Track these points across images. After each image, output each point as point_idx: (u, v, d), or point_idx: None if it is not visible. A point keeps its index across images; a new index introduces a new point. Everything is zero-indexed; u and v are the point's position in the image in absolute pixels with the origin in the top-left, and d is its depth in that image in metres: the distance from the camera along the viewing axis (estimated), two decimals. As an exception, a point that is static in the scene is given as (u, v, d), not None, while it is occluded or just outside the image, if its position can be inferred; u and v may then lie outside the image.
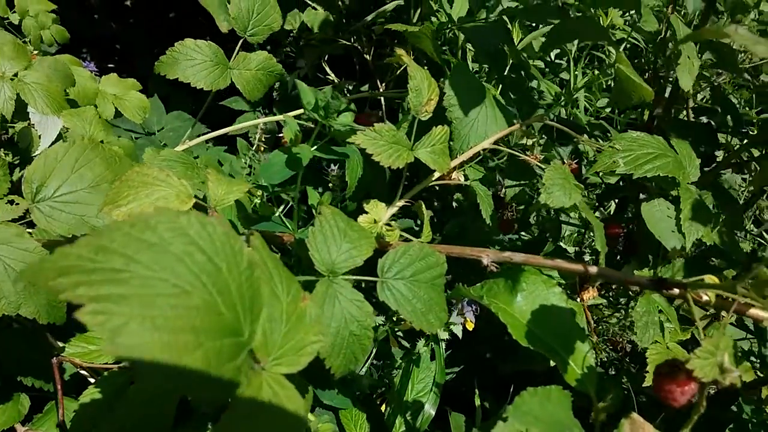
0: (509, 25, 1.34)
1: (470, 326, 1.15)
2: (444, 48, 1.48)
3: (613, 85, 1.11)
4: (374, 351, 1.16)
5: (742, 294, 0.57)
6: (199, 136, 0.96)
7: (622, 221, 1.21)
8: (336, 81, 1.61)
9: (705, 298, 0.66)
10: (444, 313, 0.70)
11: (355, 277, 0.66)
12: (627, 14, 1.57)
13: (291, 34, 1.67)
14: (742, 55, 1.79)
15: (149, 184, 0.65)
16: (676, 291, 0.65)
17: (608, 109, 1.65)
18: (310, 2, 1.55)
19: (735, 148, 1.14)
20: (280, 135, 1.04)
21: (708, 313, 0.97)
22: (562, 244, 1.52)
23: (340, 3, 1.60)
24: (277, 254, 0.94)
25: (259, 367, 0.46)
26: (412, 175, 1.04)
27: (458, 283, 0.74)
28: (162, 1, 2.08)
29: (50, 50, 1.42)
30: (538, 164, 0.93)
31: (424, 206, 0.82)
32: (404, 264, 0.68)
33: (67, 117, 0.91)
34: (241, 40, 0.92)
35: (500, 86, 1.18)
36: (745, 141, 1.15)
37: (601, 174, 1.19)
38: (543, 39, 1.16)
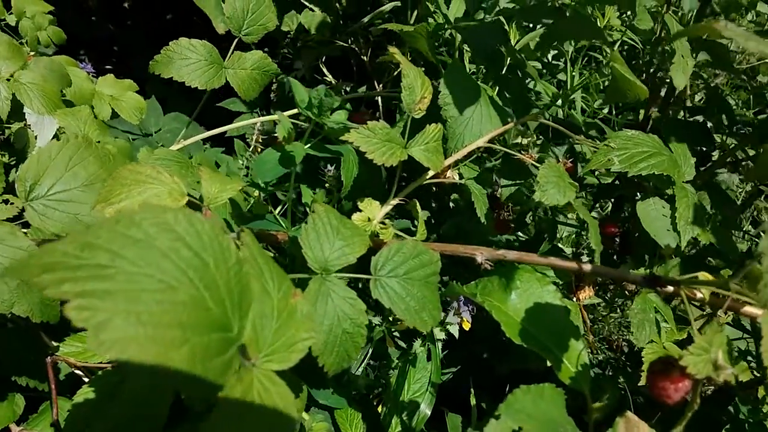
0: (506, 26, 1.34)
1: (467, 326, 1.15)
2: (442, 49, 1.48)
3: (607, 83, 1.11)
4: (371, 351, 1.16)
5: (735, 291, 0.57)
6: (191, 136, 0.96)
7: (619, 221, 1.21)
8: (333, 82, 1.61)
9: (699, 295, 0.66)
10: (438, 311, 0.70)
11: (348, 275, 0.66)
12: (624, 15, 1.57)
13: (288, 36, 1.67)
14: (739, 56, 1.79)
15: (142, 182, 0.65)
16: (670, 288, 0.65)
17: (606, 110, 1.65)
18: (307, 4, 1.56)
19: (730, 148, 1.14)
20: (276, 135, 1.04)
21: (705, 312, 0.97)
22: (560, 245, 1.52)
23: (337, 4, 1.60)
24: (272, 253, 0.94)
25: (250, 364, 0.46)
26: (407, 174, 1.04)
27: (452, 281, 0.73)
28: (159, 3, 2.09)
29: (47, 52, 1.42)
30: (534, 163, 0.93)
31: (418, 205, 0.82)
32: (398, 262, 0.68)
33: (62, 116, 0.92)
34: (235, 40, 0.92)
35: (497, 87, 1.18)
36: (740, 140, 1.15)
37: (597, 173, 1.19)
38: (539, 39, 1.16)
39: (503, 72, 1.18)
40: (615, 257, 1.23)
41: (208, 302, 0.40)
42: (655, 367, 0.60)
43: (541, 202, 0.77)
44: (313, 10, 1.55)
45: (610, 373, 1.49)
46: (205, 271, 0.41)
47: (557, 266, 0.71)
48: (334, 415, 1.04)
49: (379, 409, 1.16)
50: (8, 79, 0.95)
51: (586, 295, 1.07)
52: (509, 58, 1.18)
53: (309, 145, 0.73)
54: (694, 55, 1.05)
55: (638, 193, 1.04)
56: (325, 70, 1.63)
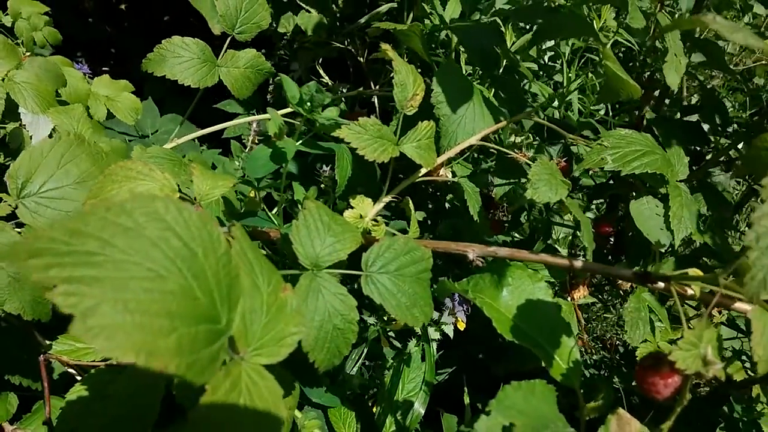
0: (502, 27, 1.35)
1: (461, 326, 1.15)
2: (439, 51, 1.48)
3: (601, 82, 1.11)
4: (365, 351, 1.16)
5: (724, 286, 0.57)
6: (183, 136, 0.96)
7: (613, 220, 1.21)
8: (330, 83, 1.61)
9: (690, 292, 0.66)
10: (429, 307, 0.70)
11: (338, 271, 0.66)
12: (621, 16, 1.57)
13: (285, 37, 1.67)
14: (736, 58, 1.80)
15: (133, 178, 0.65)
16: (661, 284, 0.65)
17: (602, 112, 1.65)
18: (303, 5, 1.56)
19: (723, 147, 1.14)
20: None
21: (700, 312, 0.97)
22: (557, 246, 1.52)
23: (333, 6, 1.60)
24: (265, 252, 0.94)
25: (239, 358, 0.46)
26: (402, 173, 1.05)
27: (444, 278, 0.74)
28: (156, 4, 2.09)
29: (44, 53, 1.42)
30: (528, 162, 0.94)
31: (411, 202, 0.82)
32: (389, 258, 0.68)
33: (55, 114, 0.92)
34: (229, 38, 0.92)
35: (493, 88, 1.18)
36: (733, 139, 1.15)
37: (591, 173, 1.19)
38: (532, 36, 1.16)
39: (499, 72, 1.19)
40: (609, 257, 1.23)
41: (196, 292, 0.41)
42: (645, 363, 0.60)
43: (532, 199, 0.77)
44: (309, 12, 1.55)
45: (606, 373, 1.49)
46: (193, 261, 0.41)
47: (548, 262, 0.71)
48: (328, 414, 1.03)
49: (374, 409, 1.16)
50: (2, 79, 0.95)
51: (581, 294, 1.07)
52: (504, 59, 1.18)
53: (300, 141, 0.73)
54: (687, 54, 1.06)
55: (632, 193, 1.05)
56: (321, 71, 1.63)
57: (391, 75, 1.52)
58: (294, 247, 0.64)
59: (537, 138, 1.24)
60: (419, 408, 1.09)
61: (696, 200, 1.04)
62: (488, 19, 1.38)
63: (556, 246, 1.52)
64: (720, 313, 1.13)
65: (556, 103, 1.42)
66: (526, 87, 1.43)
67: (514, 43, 1.34)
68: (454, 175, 0.89)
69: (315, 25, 1.54)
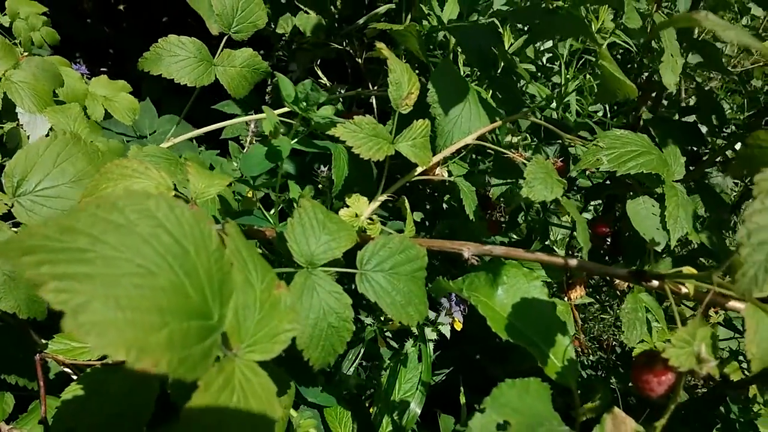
0: (500, 28, 1.35)
1: (458, 326, 1.15)
2: (437, 53, 1.48)
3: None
4: (362, 351, 1.16)
5: (718, 283, 0.57)
6: (180, 135, 0.96)
7: (610, 221, 1.21)
8: (328, 84, 1.61)
9: (684, 290, 0.66)
10: (424, 306, 0.70)
11: (333, 269, 0.66)
12: (619, 17, 1.57)
13: (283, 38, 1.67)
14: (734, 60, 1.80)
15: (128, 176, 0.65)
16: (655, 282, 0.65)
17: (600, 113, 1.66)
18: (302, 6, 1.56)
19: (720, 147, 1.14)
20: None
21: (696, 312, 0.97)
22: (555, 248, 1.53)
23: (332, 7, 1.60)
24: (261, 251, 0.94)
25: (232, 354, 0.46)
26: (399, 174, 1.05)
27: (440, 277, 0.74)
28: (155, 5, 2.10)
29: (42, 53, 1.42)
30: (524, 161, 0.94)
31: (407, 201, 0.82)
32: (384, 256, 0.68)
33: (51, 113, 0.92)
34: (225, 37, 0.92)
35: (491, 89, 1.18)
36: (730, 139, 1.15)
37: (588, 173, 1.19)
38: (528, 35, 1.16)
39: (496, 73, 1.19)
40: (607, 258, 1.23)
41: (187, 288, 0.41)
42: (639, 361, 0.60)
43: (528, 198, 0.77)
44: (308, 13, 1.55)
45: (603, 374, 1.49)
46: (185, 257, 0.41)
47: (543, 261, 0.71)
48: (324, 413, 1.04)
49: (371, 409, 1.16)
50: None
51: (578, 294, 1.07)
52: (502, 60, 1.18)
53: (296, 140, 0.73)
54: (684, 55, 1.06)
55: (629, 193, 1.05)
56: (319, 72, 1.64)
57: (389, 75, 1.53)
58: (289, 244, 0.64)
59: (534, 138, 1.24)
60: (416, 408, 1.09)
61: (693, 201, 1.04)
62: (486, 20, 1.38)
63: (554, 248, 1.52)
64: (717, 313, 1.13)
65: (554, 105, 1.42)
66: (524, 88, 1.43)
67: (512, 44, 1.34)
68: (450, 174, 0.89)
69: (313, 26, 1.54)
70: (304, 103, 0.68)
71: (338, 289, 0.65)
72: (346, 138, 0.70)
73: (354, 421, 1.05)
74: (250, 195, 1.02)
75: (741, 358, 1.15)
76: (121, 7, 2.12)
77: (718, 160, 1.13)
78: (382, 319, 1.13)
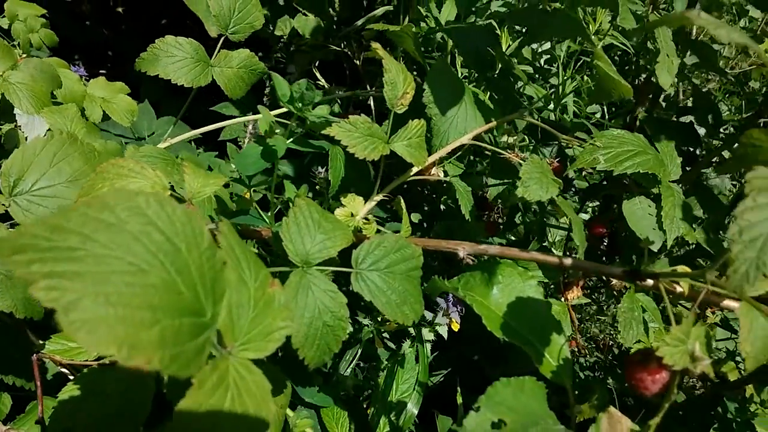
0: (497, 30, 1.35)
1: (456, 327, 1.15)
2: (434, 54, 1.48)
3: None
4: (359, 352, 1.16)
5: (712, 282, 0.57)
6: (177, 136, 0.96)
7: (607, 221, 1.21)
8: (326, 86, 1.61)
9: (679, 289, 0.66)
10: (420, 305, 0.70)
11: (328, 268, 0.66)
12: (617, 19, 1.58)
13: (282, 40, 1.68)
14: (731, 62, 1.80)
15: (124, 176, 0.65)
16: (650, 282, 0.65)
17: (598, 115, 1.66)
18: (300, 8, 1.56)
19: (716, 148, 1.14)
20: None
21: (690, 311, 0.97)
22: (552, 249, 1.53)
23: (330, 9, 1.61)
24: (257, 250, 0.95)
25: (226, 352, 0.46)
26: (396, 175, 1.05)
27: (435, 276, 0.74)
28: (153, 7, 2.10)
29: (40, 55, 1.43)
30: (521, 162, 0.94)
31: (402, 201, 0.82)
32: (379, 255, 0.68)
33: (48, 114, 0.92)
34: (222, 38, 0.92)
35: (488, 90, 1.18)
36: (726, 140, 1.15)
37: (585, 174, 1.19)
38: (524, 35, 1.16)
39: (493, 74, 1.19)
40: (604, 258, 1.23)
41: (179, 286, 0.41)
42: (633, 359, 0.60)
43: (523, 197, 0.77)
44: (306, 15, 1.56)
45: (600, 375, 1.49)
46: (176, 255, 0.41)
47: (538, 260, 0.71)
48: (321, 414, 1.04)
49: (369, 410, 1.16)
50: (-2, 80, 0.96)
51: (575, 295, 1.07)
52: (499, 62, 1.18)
53: (292, 139, 0.73)
54: (681, 56, 1.06)
55: (625, 193, 1.05)
56: (318, 74, 1.64)
57: (388, 77, 1.53)
58: (284, 243, 0.64)
59: (531, 139, 1.24)
60: (413, 408, 1.09)
61: (691, 203, 1.04)
62: (483, 21, 1.38)
63: (552, 249, 1.52)
64: (714, 314, 1.13)
65: (551, 106, 1.42)
66: (522, 89, 1.43)
67: (509, 45, 1.34)
68: (446, 174, 0.90)
69: (312, 28, 1.54)
70: (300, 103, 0.68)
71: (333, 288, 0.65)
72: (341, 137, 0.70)
73: (351, 422, 1.05)
74: (247, 196, 1.02)
75: (738, 358, 1.15)
76: (120, 10, 2.12)
77: (714, 160, 1.13)
78: (380, 319, 1.13)
